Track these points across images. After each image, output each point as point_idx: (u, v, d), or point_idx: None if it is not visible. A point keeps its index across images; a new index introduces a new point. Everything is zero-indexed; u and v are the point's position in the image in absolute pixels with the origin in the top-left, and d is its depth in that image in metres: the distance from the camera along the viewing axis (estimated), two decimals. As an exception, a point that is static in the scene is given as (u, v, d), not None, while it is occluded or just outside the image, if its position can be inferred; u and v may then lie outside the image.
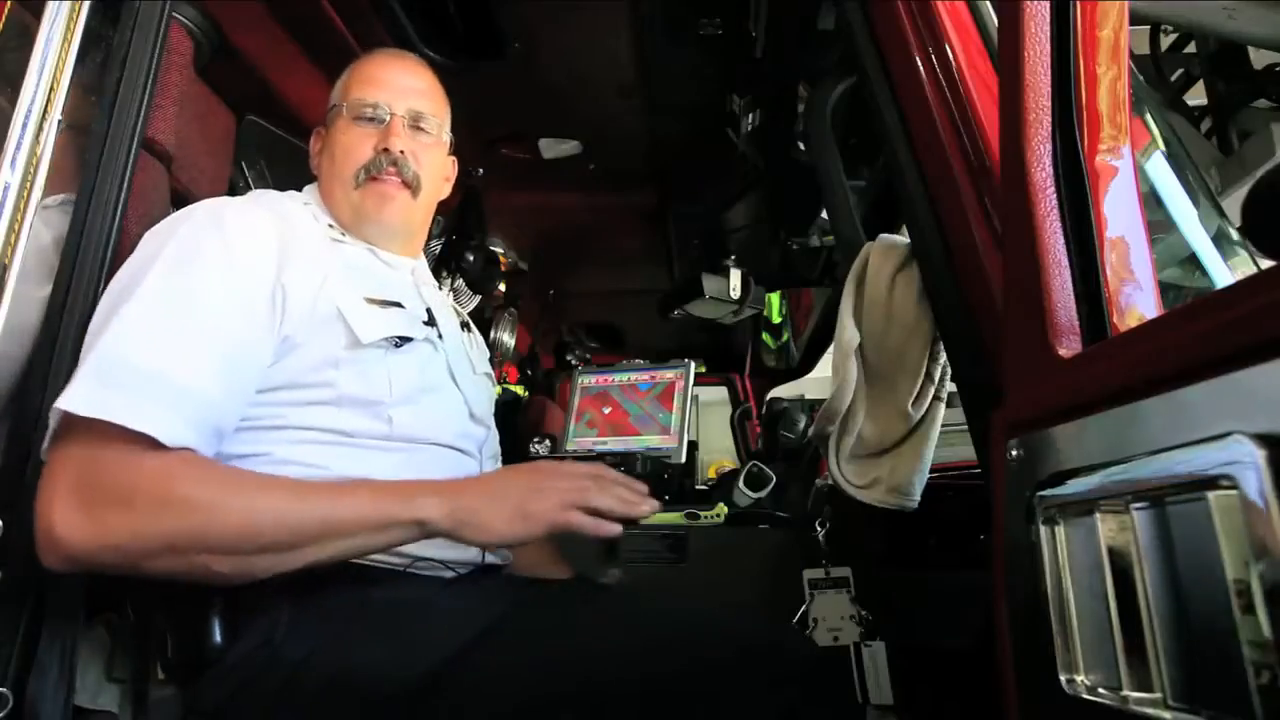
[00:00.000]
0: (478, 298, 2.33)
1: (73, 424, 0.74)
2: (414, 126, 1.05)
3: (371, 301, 0.94)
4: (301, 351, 0.88)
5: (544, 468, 0.84)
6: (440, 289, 1.67)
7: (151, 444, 0.74)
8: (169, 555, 0.73)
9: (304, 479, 0.80)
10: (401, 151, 1.02)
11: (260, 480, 0.79)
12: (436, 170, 1.09)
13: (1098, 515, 0.53)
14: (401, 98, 1.04)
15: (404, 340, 0.94)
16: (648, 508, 0.82)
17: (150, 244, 0.87)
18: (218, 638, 0.80)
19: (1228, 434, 0.42)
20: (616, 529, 0.80)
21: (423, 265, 1.14)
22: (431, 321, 1.03)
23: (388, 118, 1.03)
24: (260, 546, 0.75)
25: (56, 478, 0.74)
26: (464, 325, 1.19)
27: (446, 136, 1.11)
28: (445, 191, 1.15)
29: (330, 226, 1.02)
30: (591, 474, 0.82)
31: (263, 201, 0.96)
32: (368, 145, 1.02)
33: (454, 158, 1.16)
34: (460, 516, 0.77)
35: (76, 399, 0.73)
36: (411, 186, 1.04)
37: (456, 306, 1.22)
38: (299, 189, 1.09)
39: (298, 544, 0.75)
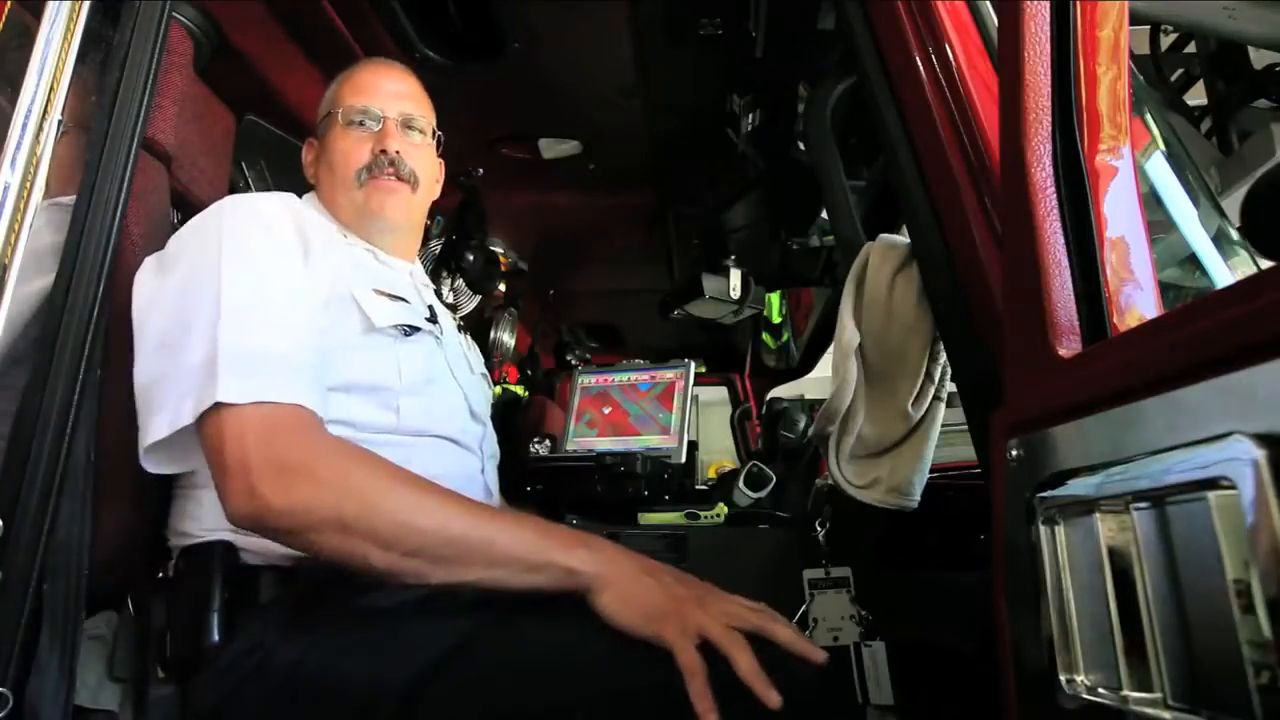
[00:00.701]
0: (478, 298, 2.33)
1: (227, 413, 0.78)
2: (406, 128, 1.09)
3: (380, 293, 0.97)
4: (322, 336, 0.90)
5: (713, 588, 0.77)
6: (440, 289, 1.68)
7: (303, 418, 0.80)
8: (337, 533, 0.75)
9: (470, 498, 0.83)
10: (397, 151, 1.06)
11: (433, 485, 0.81)
12: (429, 170, 1.14)
13: (1098, 515, 0.53)
14: (392, 101, 1.09)
15: (413, 330, 0.98)
16: (818, 658, 0.72)
17: (193, 243, 0.90)
18: (215, 637, 0.80)
19: (1228, 434, 0.42)
20: (776, 699, 0.66)
21: (419, 268, 1.17)
22: (433, 319, 1.06)
23: (380, 122, 1.07)
24: (417, 547, 0.76)
25: (246, 449, 0.77)
26: (460, 328, 1.22)
27: (434, 137, 1.15)
28: (436, 192, 1.19)
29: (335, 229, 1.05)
30: (758, 609, 0.75)
31: (279, 198, 1.00)
32: (364, 148, 1.06)
33: (442, 160, 1.20)
34: (609, 579, 0.75)
35: (231, 390, 0.78)
36: (410, 182, 1.07)
37: (450, 311, 1.25)
38: (298, 189, 1.10)
39: (451, 558, 0.76)
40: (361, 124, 1.07)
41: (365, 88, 1.09)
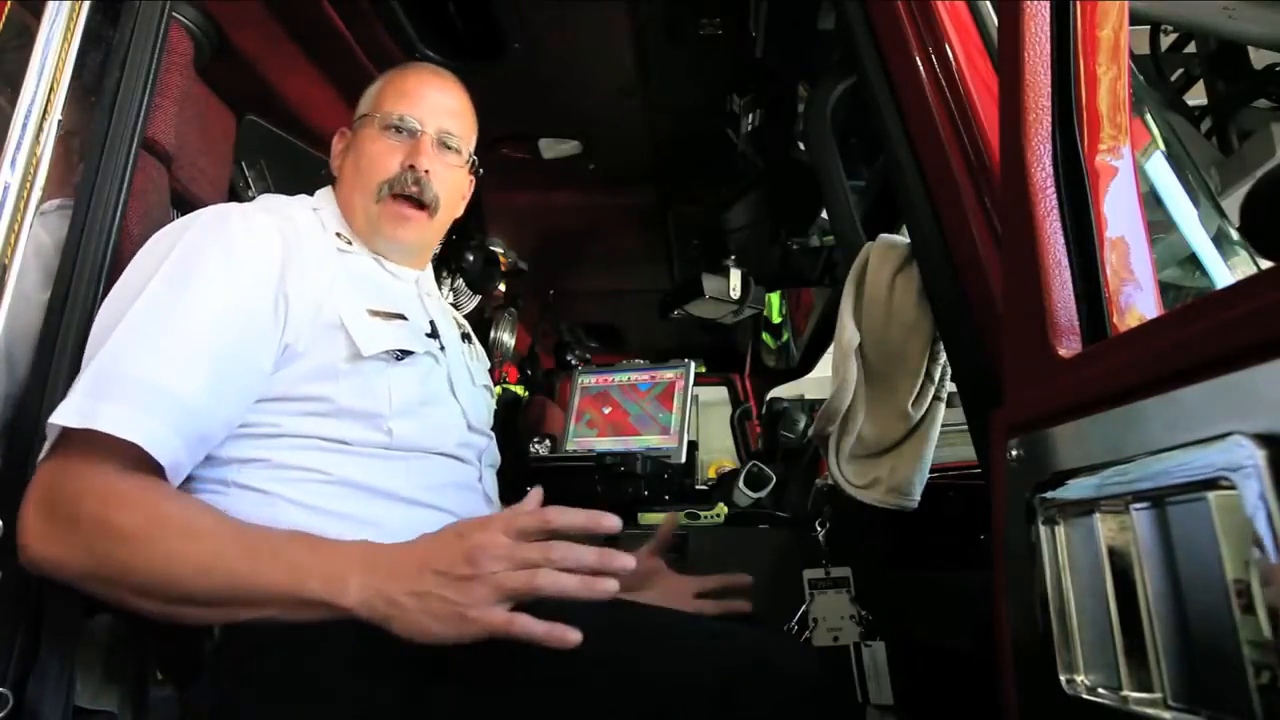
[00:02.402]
0: (478, 298, 2.33)
1: (65, 435, 0.75)
2: (442, 145, 1.05)
3: (375, 314, 0.94)
4: (302, 361, 0.87)
5: (478, 539, 0.70)
6: (440, 290, 1.67)
7: (130, 458, 0.74)
8: (97, 583, 0.73)
9: (248, 530, 0.76)
10: (426, 171, 1.02)
11: (201, 527, 0.75)
12: (456, 190, 1.10)
13: (1098, 515, 0.53)
14: (433, 116, 1.04)
15: (405, 354, 0.94)
16: (620, 564, 0.70)
17: (153, 252, 0.87)
18: (216, 638, 0.80)
19: (1228, 434, 0.42)
20: (575, 636, 0.66)
21: (427, 275, 1.14)
22: (434, 334, 1.03)
23: (417, 135, 1.03)
24: (178, 597, 0.73)
25: (36, 482, 0.76)
26: (465, 336, 1.19)
27: (470, 157, 1.12)
28: (460, 210, 1.16)
29: (338, 235, 1.01)
30: (537, 549, 0.69)
31: (269, 207, 0.96)
32: (394, 159, 1.02)
33: (473, 176, 1.16)
34: (385, 611, 0.70)
35: (69, 412, 0.74)
36: (430, 208, 1.04)
37: (458, 317, 1.22)
38: (298, 189, 1.09)
39: (219, 602, 0.73)
40: (397, 130, 1.02)
41: (410, 94, 1.05)
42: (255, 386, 0.85)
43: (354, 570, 0.72)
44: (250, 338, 0.84)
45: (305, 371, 0.88)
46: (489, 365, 1.24)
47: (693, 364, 1.80)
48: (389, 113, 1.03)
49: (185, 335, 0.80)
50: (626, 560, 0.71)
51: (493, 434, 1.11)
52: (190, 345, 0.80)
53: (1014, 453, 0.64)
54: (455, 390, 1.03)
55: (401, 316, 0.97)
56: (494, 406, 1.17)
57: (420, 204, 1.02)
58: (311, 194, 1.08)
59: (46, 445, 0.77)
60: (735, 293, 2.05)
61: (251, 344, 0.84)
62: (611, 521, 0.71)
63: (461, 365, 1.08)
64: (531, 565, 0.68)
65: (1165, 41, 1.52)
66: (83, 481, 0.74)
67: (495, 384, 1.88)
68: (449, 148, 1.06)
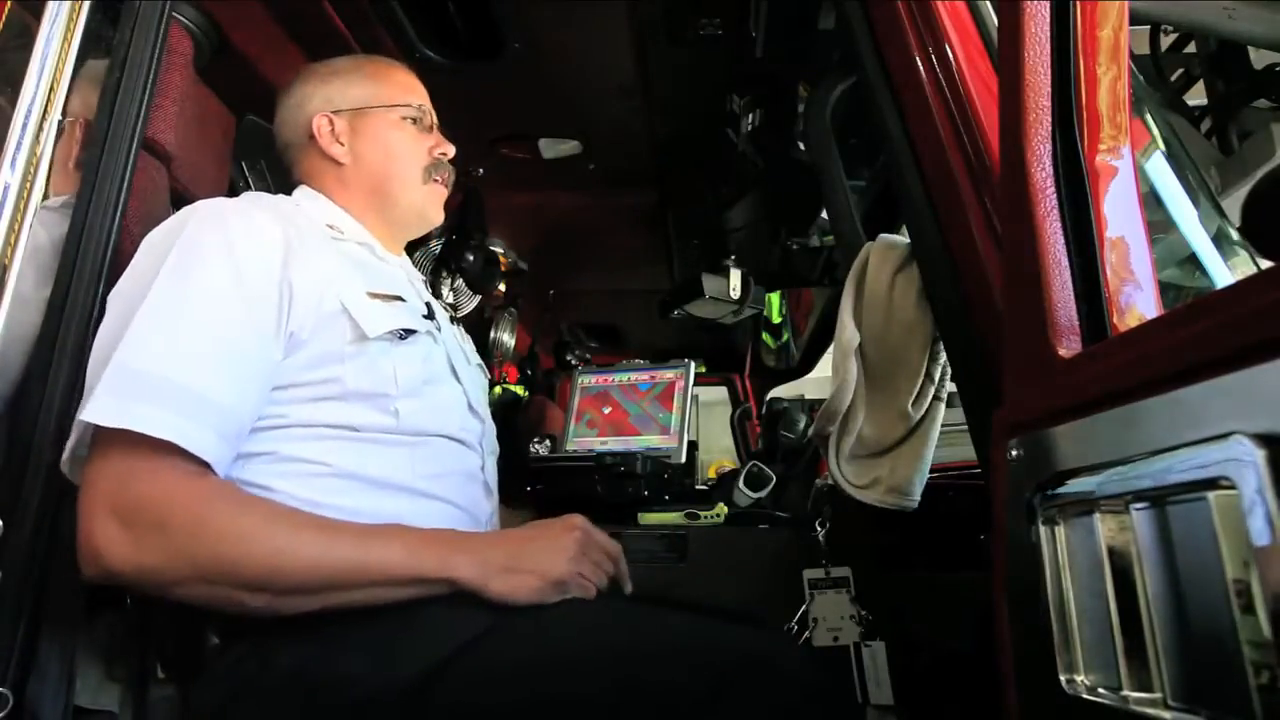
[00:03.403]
0: (478, 298, 2.33)
1: (103, 437, 0.75)
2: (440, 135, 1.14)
3: (374, 296, 0.95)
4: (307, 349, 0.88)
5: (558, 533, 0.88)
6: (440, 289, 1.68)
7: (182, 457, 0.75)
8: (201, 584, 0.74)
9: (335, 520, 0.80)
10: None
11: (294, 519, 0.79)
12: None
13: (1098, 515, 0.53)
14: (430, 108, 1.13)
15: (408, 333, 0.96)
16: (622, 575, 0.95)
17: (154, 249, 0.87)
18: (217, 638, 0.80)
19: (1228, 434, 0.42)
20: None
21: (408, 261, 1.17)
22: (430, 315, 1.05)
23: (433, 127, 1.12)
24: (290, 587, 0.75)
25: (97, 490, 0.74)
26: (452, 320, 1.21)
27: None
28: None
29: (329, 226, 1.02)
30: (590, 543, 0.90)
31: (260, 203, 0.96)
32: (424, 148, 1.10)
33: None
34: (491, 573, 0.80)
35: (103, 410, 0.74)
36: (449, 190, 1.13)
37: (438, 301, 1.25)
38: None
39: (327, 589, 0.76)
40: (415, 122, 1.10)
41: (415, 89, 1.13)
42: (270, 377, 0.86)
43: (457, 550, 0.81)
44: (262, 328, 0.85)
45: (310, 359, 0.88)
46: (490, 356, 1.27)
47: (693, 364, 1.79)
48: (412, 104, 1.10)
49: (200, 334, 0.80)
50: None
51: (489, 419, 1.12)
52: (206, 344, 0.80)
53: (1014, 453, 0.64)
54: (455, 369, 1.05)
55: (399, 298, 0.99)
56: (488, 388, 1.19)
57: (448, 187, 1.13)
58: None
59: (73, 444, 0.77)
60: (735, 293, 2.05)
61: (264, 334, 0.85)
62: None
63: (456, 345, 1.11)
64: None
65: (1165, 41, 1.52)
66: (160, 486, 0.73)
67: (495, 384, 1.87)
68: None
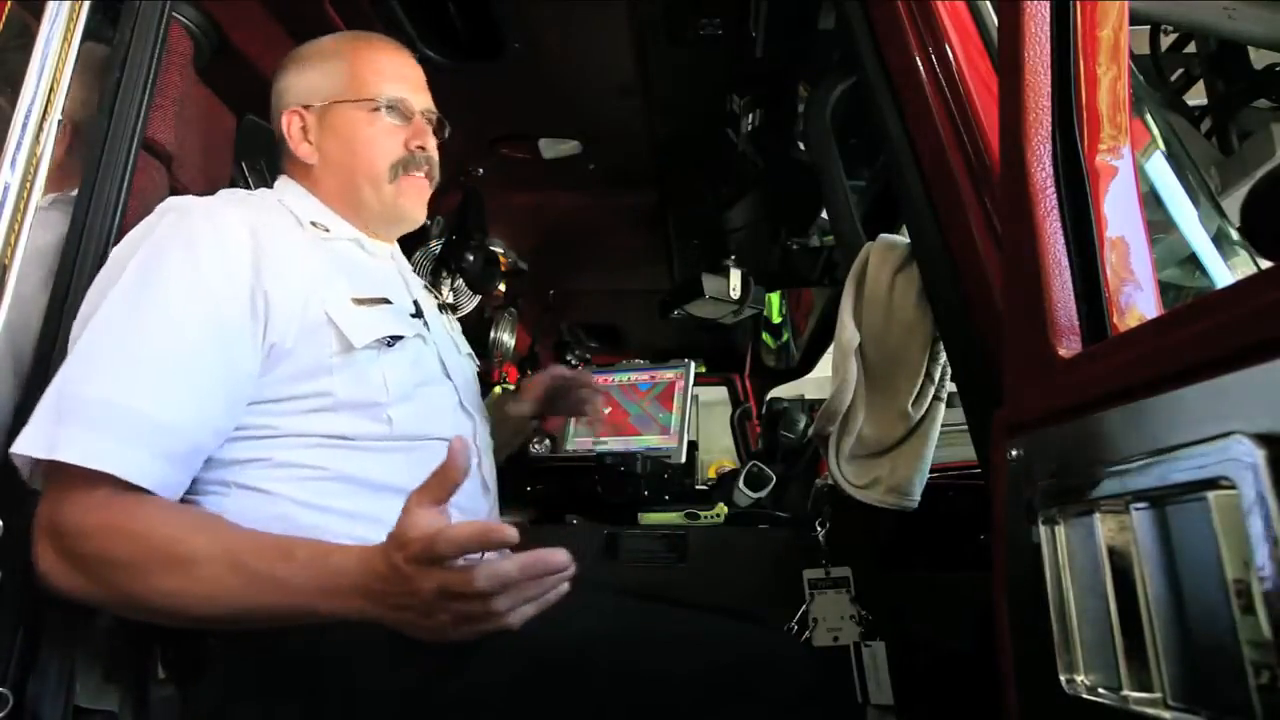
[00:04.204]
0: (478, 298, 2.33)
1: (45, 465, 0.75)
2: (430, 124, 1.07)
3: (359, 302, 0.92)
4: (291, 360, 0.86)
5: (429, 595, 0.68)
6: (440, 290, 1.67)
7: (119, 484, 0.74)
8: (119, 610, 0.76)
9: (260, 553, 0.75)
10: (428, 150, 1.06)
11: (189, 554, 0.74)
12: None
13: (1098, 515, 0.53)
14: (420, 94, 1.07)
15: (395, 339, 0.93)
16: (553, 562, 0.69)
17: (118, 259, 0.85)
18: (218, 638, 0.80)
19: (1228, 434, 0.42)
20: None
21: (398, 250, 1.14)
22: (418, 313, 1.03)
23: (412, 116, 1.05)
24: (194, 619, 0.75)
25: (40, 515, 0.76)
26: (441, 306, 1.19)
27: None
28: None
29: (314, 224, 0.99)
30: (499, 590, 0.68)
31: (233, 201, 0.93)
32: (397, 141, 1.03)
33: None
34: (393, 623, 0.71)
35: (33, 440, 0.74)
36: (432, 183, 1.07)
37: (428, 291, 1.23)
38: None
39: (230, 622, 0.75)
40: (390, 111, 1.03)
41: (396, 76, 1.05)
42: (242, 390, 0.83)
43: (357, 595, 0.71)
44: (226, 341, 0.82)
45: (296, 370, 0.86)
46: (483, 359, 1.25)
47: (693, 364, 1.80)
48: (380, 95, 1.02)
49: (149, 351, 0.78)
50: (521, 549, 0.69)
51: (482, 415, 1.10)
52: (158, 362, 0.78)
53: (1014, 453, 0.64)
54: (447, 368, 1.03)
55: (385, 300, 0.96)
56: (476, 378, 1.16)
57: (429, 179, 1.07)
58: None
59: (29, 471, 0.77)
60: (735, 293, 2.05)
61: (229, 347, 0.82)
62: (504, 535, 0.67)
63: (447, 339, 1.09)
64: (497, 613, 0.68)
65: (1165, 41, 1.52)
66: (92, 518, 0.74)
67: (495, 384, 1.87)
68: (434, 125, 1.09)
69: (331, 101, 1.03)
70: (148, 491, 0.75)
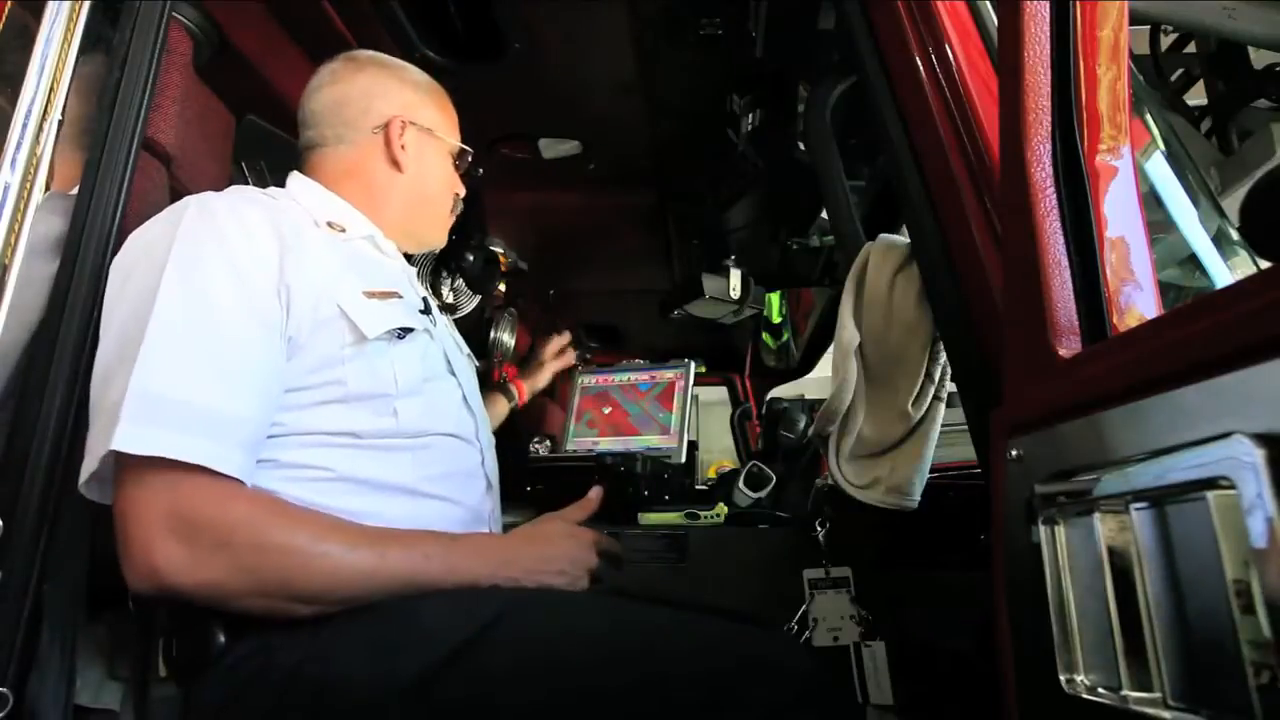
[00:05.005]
0: (478, 298, 2.33)
1: (135, 461, 0.75)
2: None
3: (371, 295, 0.94)
4: (305, 353, 0.87)
5: (565, 544, 0.95)
6: (441, 290, 1.68)
7: (216, 475, 0.76)
8: (259, 598, 0.76)
9: (380, 531, 0.83)
10: None
11: (345, 533, 0.81)
12: None
13: (1098, 515, 0.53)
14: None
15: (406, 331, 0.95)
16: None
17: (150, 251, 0.85)
18: (220, 637, 0.80)
19: (1228, 434, 0.42)
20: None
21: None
22: (426, 310, 1.05)
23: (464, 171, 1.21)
24: (343, 600, 0.78)
25: (151, 511, 0.75)
26: (441, 308, 1.22)
27: None
28: None
29: (330, 225, 1.00)
30: (592, 546, 0.97)
31: (249, 197, 0.94)
32: (457, 186, 1.19)
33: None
34: (527, 577, 0.88)
35: (132, 439, 0.74)
36: None
37: (449, 312, 1.28)
38: None
39: (376, 595, 0.79)
40: (462, 160, 1.19)
41: (456, 125, 1.19)
42: (282, 378, 0.86)
43: (492, 555, 0.87)
44: (268, 332, 0.84)
45: (310, 363, 0.87)
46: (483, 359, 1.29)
47: (693, 364, 1.79)
48: (455, 144, 1.18)
49: (214, 349, 0.80)
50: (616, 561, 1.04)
51: (483, 412, 1.12)
52: (222, 359, 0.80)
53: (1014, 453, 0.64)
54: (452, 364, 1.05)
55: (396, 295, 0.98)
56: (476, 377, 1.19)
57: None
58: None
59: (93, 470, 0.76)
60: (735, 293, 2.05)
61: (269, 338, 0.84)
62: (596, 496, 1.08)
63: (449, 337, 1.12)
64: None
65: (1165, 41, 1.52)
66: (213, 506, 0.76)
67: (496, 384, 1.88)
68: None
69: (430, 129, 1.13)
70: (241, 482, 0.79)
